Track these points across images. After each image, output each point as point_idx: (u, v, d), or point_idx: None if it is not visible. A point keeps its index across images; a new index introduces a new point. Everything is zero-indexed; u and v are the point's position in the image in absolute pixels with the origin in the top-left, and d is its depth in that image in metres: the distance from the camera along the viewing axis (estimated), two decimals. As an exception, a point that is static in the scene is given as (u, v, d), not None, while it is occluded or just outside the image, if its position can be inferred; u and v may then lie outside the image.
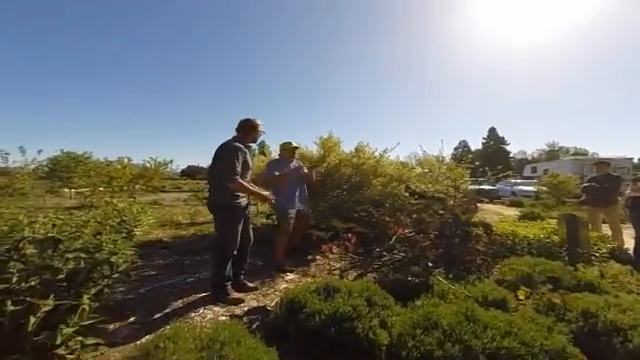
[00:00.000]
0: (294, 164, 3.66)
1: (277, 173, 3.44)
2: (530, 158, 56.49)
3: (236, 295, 2.55)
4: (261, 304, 2.48)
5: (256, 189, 2.60)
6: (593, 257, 3.16)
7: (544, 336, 1.50)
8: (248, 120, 2.62)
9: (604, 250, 3.34)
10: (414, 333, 1.57)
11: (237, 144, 2.47)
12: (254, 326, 2.08)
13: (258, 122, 2.65)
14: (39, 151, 8.11)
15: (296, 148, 3.75)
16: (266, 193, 2.69)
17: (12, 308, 1.32)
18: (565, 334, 1.64)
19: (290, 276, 3.18)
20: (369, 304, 1.88)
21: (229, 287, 2.53)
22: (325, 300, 1.88)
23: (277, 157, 3.94)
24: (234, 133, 2.62)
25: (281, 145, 3.73)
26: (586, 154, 45.59)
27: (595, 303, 1.84)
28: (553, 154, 52.14)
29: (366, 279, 2.81)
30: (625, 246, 4.08)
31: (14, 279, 1.46)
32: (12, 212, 2.60)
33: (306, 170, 3.68)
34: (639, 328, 1.58)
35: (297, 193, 3.53)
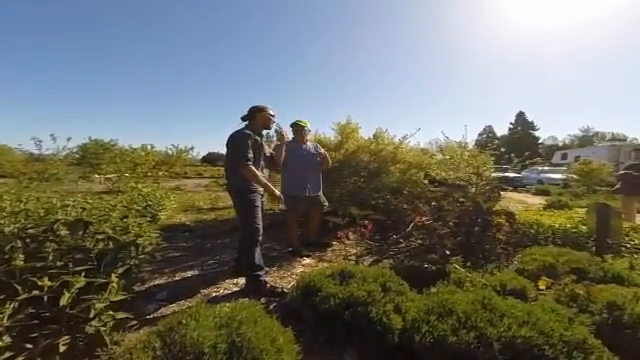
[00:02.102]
0: (309, 146, 3.43)
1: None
2: (561, 144, 53.43)
3: (270, 286, 2.45)
4: (278, 287, 2.56)
5: (269, 184, 2.49)
6: (623, 248, 3.00)
7: (564, 327, 1.46)
8: (253, 106, 2.60)
9: (636, 241, 3.15)
10: (428, 319, 1.57)
11: (245, 131, 2.46)
12: (271, 307, 2.16)
13: (264, 106, 2.60)
14: (68, 138, 8.49)
15: (301, 127, 3.39)
16: (278, 193, 2.53)
17: (49, 284, 1.44)
18: (587, 326, 1.59)
19: (306, 260, 3.25)
20: (384, 289, 1.89)
21: (263, 277, 2.47)
22: (340, 284, 1.92)
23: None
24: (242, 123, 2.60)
25: (291, 126, 3.47)
26: (624, 140, 42.48)
27: (622, 295, 1.76)
28: (587, 140, 49.09)
29: (382, 265, 2.82)
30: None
31: (50, 257, 1.58)
32: (48, 196, 2.79)
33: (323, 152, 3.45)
34: (669, 322, 1.51)
35: (308, 178, 3.34)
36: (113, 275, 1.64)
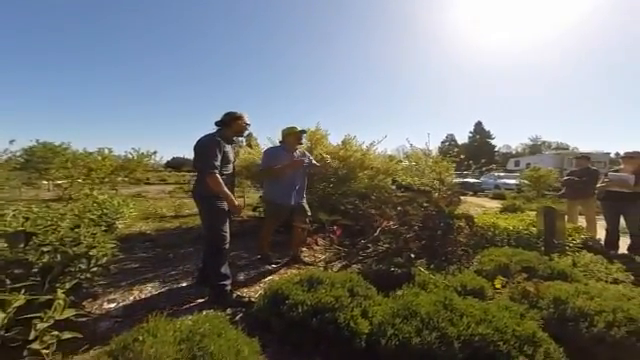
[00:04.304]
0: (297, 154, 3.25)
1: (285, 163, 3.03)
2: (514, 152, 57.91)
3: (236, 295, 2.41)
4: (245, 296, 2.49)
5: (230, 195, 2.40)
6: (567, 247, 3.29)
7: (516, 322, 1.56)
8: (230, 113, 2.54)
9: (578, 241, 3.48)
10: (394, 322, 1.61)
11: (214, 137, 2.39)
12: (237, 318, 2.09)
13: (241, 114, 2.56)
14: (11, 141, 7.75)
15: (303, 132, 3.27)
16: (237, 203, 2.45)
17: (-19, 304, 1.28)
18: (536, 320, 1.71)
19: (275, 268, 3.19)
20: (351, 294, 1.91)
21: (228, 287, 2.38)
22: (308, 291, 1.90)
23: (278, 144, 3.43)
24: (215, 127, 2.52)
25: (284, 130, 3.23)
26: (567, 148, 47.17)
27: (566, 291, 1.93)
28: (536, 148, 53.65)
29: (350, 270, 2.85)
30: (597, 237, 4.27)
31: (-17, 274, 1.41)
32: (-17, 205, 2.49)
33: (315, 162, 3.38)
34: (604, 314, 1.67)
35: (296, 187, 3.19)
36: (59, 291, 1.51)
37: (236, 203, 2.44)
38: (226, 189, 2.36)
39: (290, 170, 3.08)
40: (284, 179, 3.12)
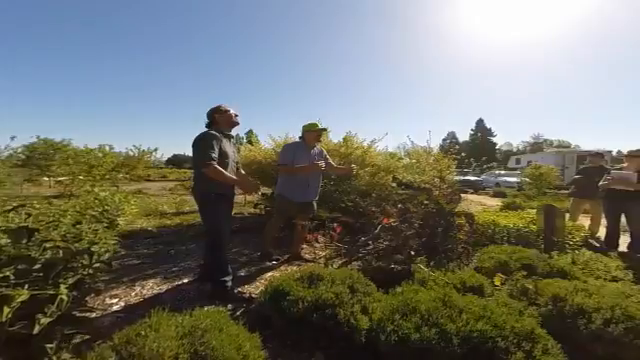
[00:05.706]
0: (315, 151, 3.24)
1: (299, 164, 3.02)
2: (516, 150, 57.72)
3: (237, 291, 2.45)
4: (246, 292, 2.50)
5: (236, 178, 2.41)
6: (567, 245, 3.30)
7: (515, 319, 1.57)
8: (213, 107, 2.51)
9: (577, 238, 3.49)
10: (393, 318, 1.62)
11: (210, 131, 2.38)
12: (238, 313, 2.11)
13: (218, 105, 2.52)
14: (12, 137, 7.75)
15: (323, 130, 3.26)
16: (250, 180, 2.44)
17: (-16, 299, 1.29)
18: (535, 317, 1.73)
19: (276, 265, 3.21)
20: (351, 291, 1.92)
21: (230, 283, 2.41)
22: (309, 287, 1.92)
23: (297, 140, 3.38)
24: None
25: (304, 127, 3.22)
26: (568, 147, 47.10)
27: (564, 288, 1.93)
28: (537, 146, 53.40)
29: (350, 267, 2.86)
30: (597, 234, 4.27)
31: (-14, 269, 1.42)
32: (-14, 201, 2.51)
33: (331, 162, 3.36)
34: (602, 311, 1.68)
35: (311, 185, 3.18)
36: (62, 286, 1.52)
37: (249, 182, 2.44)
38: (229, 175, 2.34)
39: (308, 172, 3.08)
40: (299, 176, 3.11)
